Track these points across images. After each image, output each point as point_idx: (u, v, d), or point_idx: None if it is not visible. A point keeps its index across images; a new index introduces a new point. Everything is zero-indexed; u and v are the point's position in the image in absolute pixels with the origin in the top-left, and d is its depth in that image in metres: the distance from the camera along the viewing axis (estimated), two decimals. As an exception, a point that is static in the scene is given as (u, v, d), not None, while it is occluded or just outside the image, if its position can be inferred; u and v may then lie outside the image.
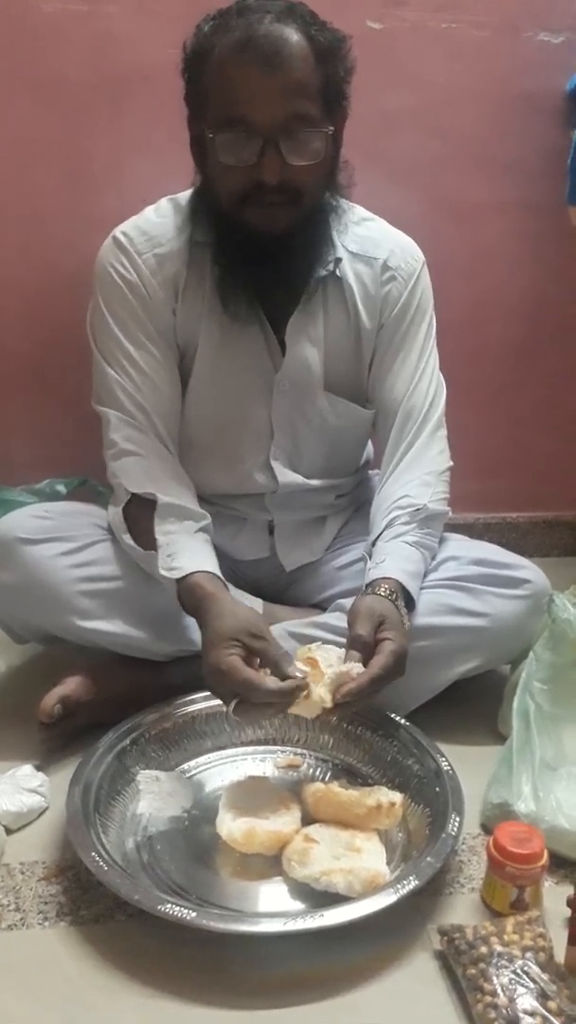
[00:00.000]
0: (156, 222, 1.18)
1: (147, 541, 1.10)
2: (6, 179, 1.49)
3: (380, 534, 1.15)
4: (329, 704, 0.95)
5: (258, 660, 0.97)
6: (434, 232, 1.30)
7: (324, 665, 0.97)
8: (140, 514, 1.11)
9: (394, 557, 1.11)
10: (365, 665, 0.98)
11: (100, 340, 1.18)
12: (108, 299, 1.17)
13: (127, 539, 1.12)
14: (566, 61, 1.57)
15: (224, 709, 0.98)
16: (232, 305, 1.15)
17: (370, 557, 1.14)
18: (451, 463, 1.23)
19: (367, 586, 1.09)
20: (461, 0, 1.52)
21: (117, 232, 1.18)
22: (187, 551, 1.07)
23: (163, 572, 1.06)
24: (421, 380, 1.23)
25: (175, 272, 1.16)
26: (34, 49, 1.43)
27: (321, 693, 0.95)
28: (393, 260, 1.22)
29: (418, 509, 1.15)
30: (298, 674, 0.95)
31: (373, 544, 1.15)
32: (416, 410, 1.22)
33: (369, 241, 1.22)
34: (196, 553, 1.08)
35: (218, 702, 1.13)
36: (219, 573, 1.07)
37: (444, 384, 1.26)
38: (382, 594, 1.06)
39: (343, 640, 1.16)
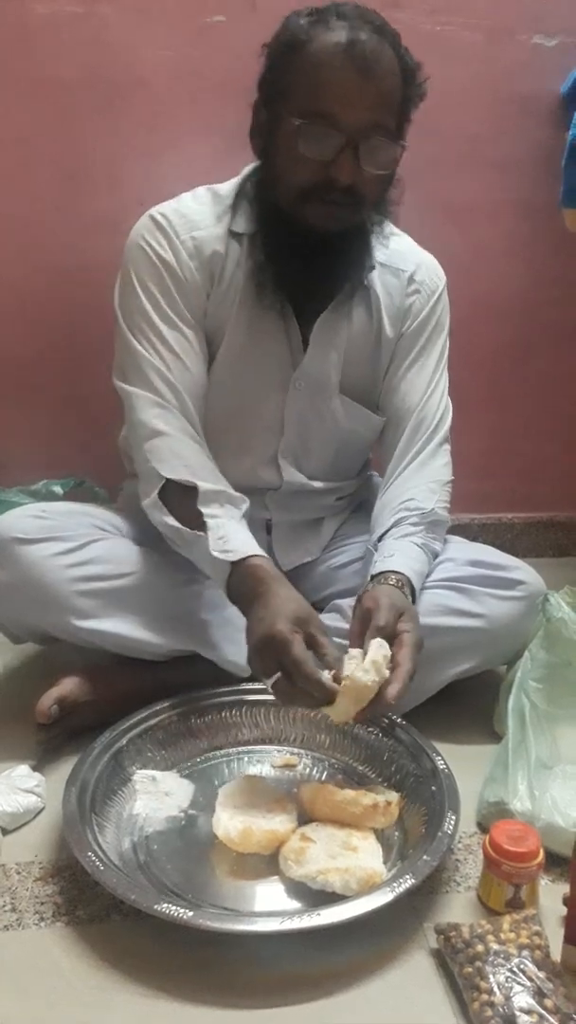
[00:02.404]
0: (195, 207, 1.18)
1: (189, 524, 1.08)
2: (2, 181, 1.49)
3: (387, 531, 1.15)
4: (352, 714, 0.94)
5: (314, 649, 0.95)
6: (428, 233, 1.31)
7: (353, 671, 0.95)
8: (176, 499, 1.10)
9: (403, 554, 1.11)
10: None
11: (129, 317, 1.16)
12: (141, 276, 1.15)
13: (170, 520, 1.10)
14: (560, 64, 1.58)
15: (264, 683, 0.97)
16: (267, 295, 1.15)
17: (374, 551, 1.14)
18: (453, 477, 1.25)
19: (374, 577, 1.09)
20: (455, 3, 1.53)
21: (154, 212, 1.17)
22: (238, 534, 1.06)
23: (216, 554, 1.03)
24: (434, 393, 1.25)
25: (212, 258, 1.16)
26: (29, 51, 1.44)
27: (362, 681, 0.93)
28: (419, 275, 1.25)
29: (425, 513, 1.17)
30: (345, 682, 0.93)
31: (380, 539, 1.15)
32: (427, 420, 1.24)
33: (397, 254, 1.24)
34: (248, 537, 1.07)
35: (215, 700, 1.15)
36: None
37: (451, 407, 1.28)
38: (394, 584, 1.06)
39: (337, 641, 1.17)
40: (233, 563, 1.03)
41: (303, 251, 1.11)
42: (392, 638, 0.98)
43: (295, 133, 1.03)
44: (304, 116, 1.03)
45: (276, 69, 1.07)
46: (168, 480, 1.10)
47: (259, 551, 1.05)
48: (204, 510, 1.07)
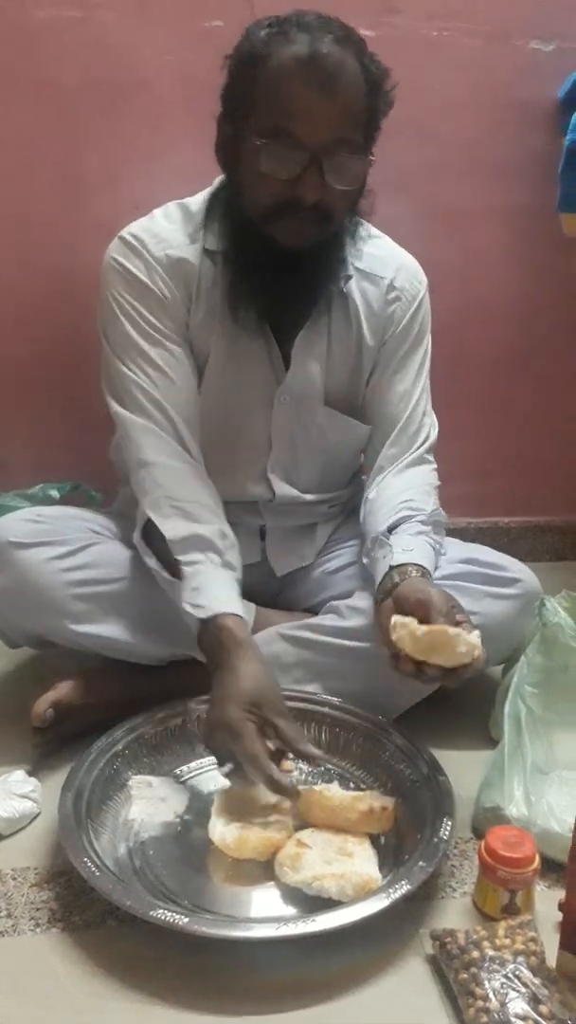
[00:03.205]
0: (166, 226, 1.16)
1: (170, 566, 1.08)
2: (2, 182, 1.49)
3: (395, 526, 1.14)
4: (479, 650, 0.95)
5: (272, 731, 0.95)
6: (425, 237, 1.31)
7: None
8: (158, 537, 1.09)
9: (420, 551, 1.11)
10: None
11: (112, 338, 1.16)
12: (118, 299, 1.14)
13: (150, 562, 1.10)
14: (557, 68, 1.59)
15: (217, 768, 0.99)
16: (242, 313, 1.14)
17: (387, 541, 1.13)
18: (439, 483, 1.25)
19: (395, 567, 1.08)
20: (453, 8, 1.54)
21: (124, 233, 1.16)
22: (213, 587, 1.05)
23: (187, 607, 1.03)
24: (420, 401, 1.25)
25: (187, 275, 1.15)
26: (28, 54, 1.44)
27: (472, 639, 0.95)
28: (399, 281, 1.24)
29: (429, 514, 1.16)
30: (298, 770, 0.97)
31: (390, 531, 1.14)
32: (413, 425, 1.24)
33: (376, 260, 1.23)
34: (223, 591, 1.05)
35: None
36: (246, 616, 1.06)
37: (436, 421, 1.28)
38: (423, 577, 1.06)
39: (335, 641, 1.17)
40: (203, 619, 1.02)
41: (274, 267, 1.09)
42: (454, 624, 0.98)
43: (257, 152, 1.02)
44: (266, 135, 1.00)
45: (237, 83, 1.05)
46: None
47: (231, 608, 1.03)
48: (180, 558, 1.06)
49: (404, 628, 0.97)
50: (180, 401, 1.14)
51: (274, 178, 1.02)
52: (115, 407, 1.15)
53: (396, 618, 0.98)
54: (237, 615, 1.03)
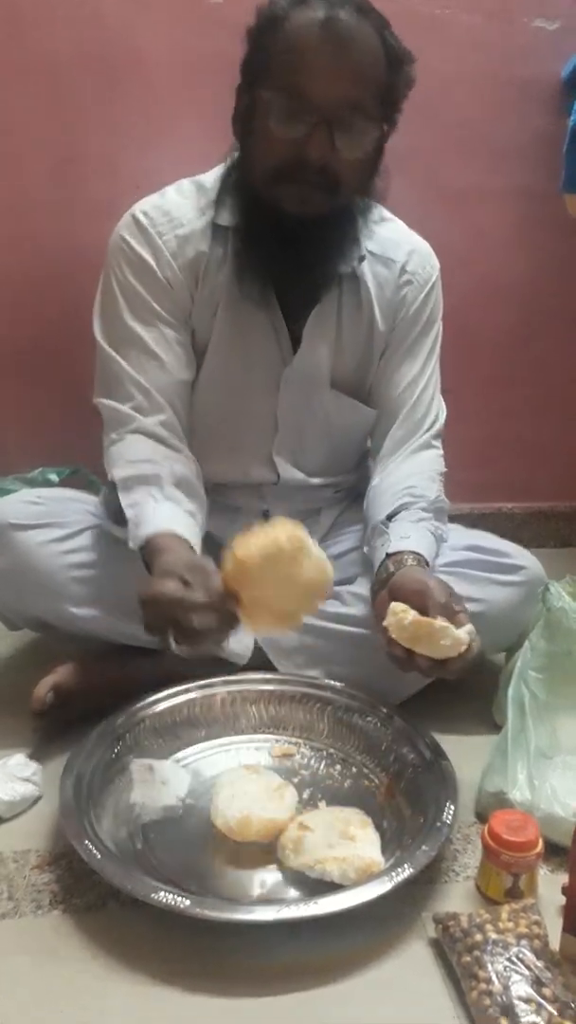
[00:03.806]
0: (178, 202, 1.15)
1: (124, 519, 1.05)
2: (-3, 164, 1.48)
3: (395, 513, 1.14)
4: (466, 644, 0.94)
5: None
6: (428, 218, 1.29)
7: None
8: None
9: (419, 538, 1.10)
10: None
11: (105, 324, 1.15)
12: (119, 276, 1.13)
13: (105, 524, 1.10)
14: (561, 47, 1.57)
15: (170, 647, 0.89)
16: (247, 287, 1.13)
17: (385, 529, 1.12)
18: (445, 469, 1.24)
19: (391, 555, 1.07)
20: (456, -15, 1.52)
21: (136, 210, 1.15)
22: (151, 517, 1.02)
23: (131, 545, 1.01)
24: (428, 384, 1.24)
25: (196, 255, 1.13)
26: (21, 30, 1.41)
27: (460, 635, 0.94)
28: (411, 264, 1.23)
29: (431, 501, 1.16)
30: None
31: (389, 519, 1.13)
32: (420, 411, 1.23)
33: (389, 243, 1.22)
34: (162, 517, 1.02)
35: (213, 689, 1.14)
36: (189, 536, 1.00)
37: (445, 406, 1.26)
38: (420, 566, 1.05)
39: (336, 627, 1.17)
40: (141, 549, 0.99)
41: (281, 238, 1.08)
42: (451, 616, 0.97)
43: (267, 109, 1.01)
44: (277, 90, 1.00)
45: (254, 48, 1.05)
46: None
47: (164, 527, 0.99)
48: (124, 501, 1.04)
49: (394, 615, 0.96)
50: (167, 384, 1.13)
51: (282, 138, 1.01)
52: (98, 401, 1.14)
53: (393, 604, 0.98)
54: (173, 534, 0.99)
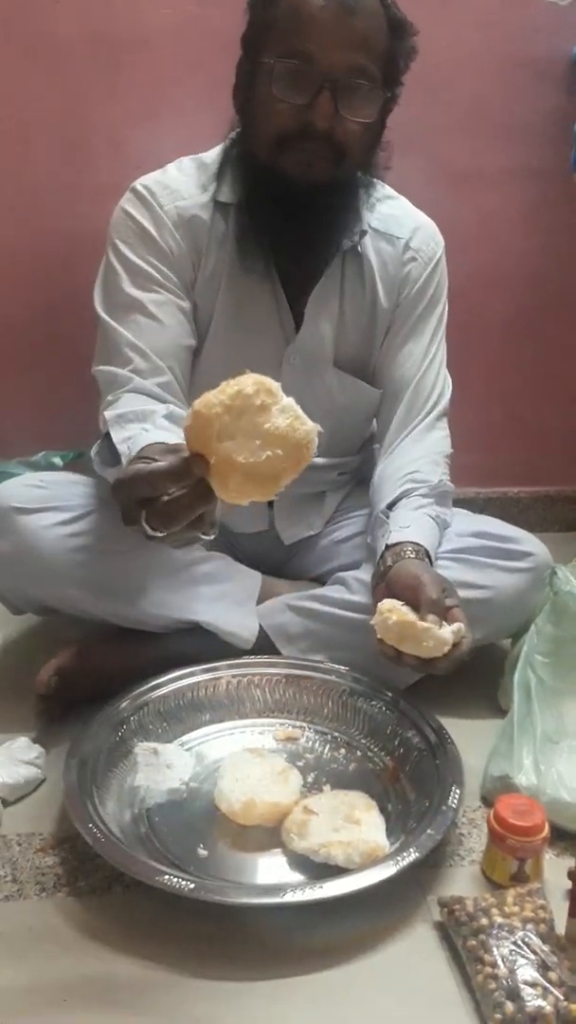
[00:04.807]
0: (179, 178, 1.15)
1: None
2: (-1, 145, 1.46)
3: (396, 501, 1.13)
4: (450, 645, 0.95)
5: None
6: (434, 199, 1.28)
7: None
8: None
9: (418, 526, 1.09)
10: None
11: (105, 296, 1.14)
12: (120, 248, 1.13)
13: (98, 469, 1.07)
14: (572, 25, 1.54)
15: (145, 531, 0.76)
16: (250, 262, 1.12)
17: (386, 519, 1.12)
18: (452, 450, 1.23)
19: (390, 547, 1.06)
20: (466, -38, 1.49)
21: (137, 184, 1.15)
22: (142, 442, 0.91)
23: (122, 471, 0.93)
24: (432, 364, 1.22)
25: (197, 228, 1.13)
26: (24, 8, 1.39)
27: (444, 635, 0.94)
28: (415, 241, 1.21)
29: (433, 486, 1.15)
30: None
31: (390, 508, 1.13)
32: (426, 391, 1.21)
33: (393, 220, 1.20)
34: (151, 435, 0.93)
35: (217, 672, 1.13)
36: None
37: (451, 382, 1.25)
38: (416, 557, 1.04)
39: (341, 613, 1.16)
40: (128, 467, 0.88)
41: (283, 208, 1.06)
42: (443, 612, 0.97)
43: (270, 74, 1.00)
44: (282, 55, 1.00)
45: (256, 18, 1.04)
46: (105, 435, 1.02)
47: (153, 439, 0.90)
48: (117, 437, 0.98)
49: (380, 614, 0.97)
50: (164, 346, 1.11)
51: (286, 103, 1.01)
52: (96, 367, 1.13)
53: (381, 603, 0.98)
54: (157, 441, 0.89)
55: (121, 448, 0.97)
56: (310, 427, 0.76)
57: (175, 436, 0.91)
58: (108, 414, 1.04)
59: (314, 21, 0.98)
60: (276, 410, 0.75)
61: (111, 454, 1.02)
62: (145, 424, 1.00)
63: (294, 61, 0.99)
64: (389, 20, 1.02)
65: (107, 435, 1.03)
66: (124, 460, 0.94)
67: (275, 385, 0.75)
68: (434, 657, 0.95)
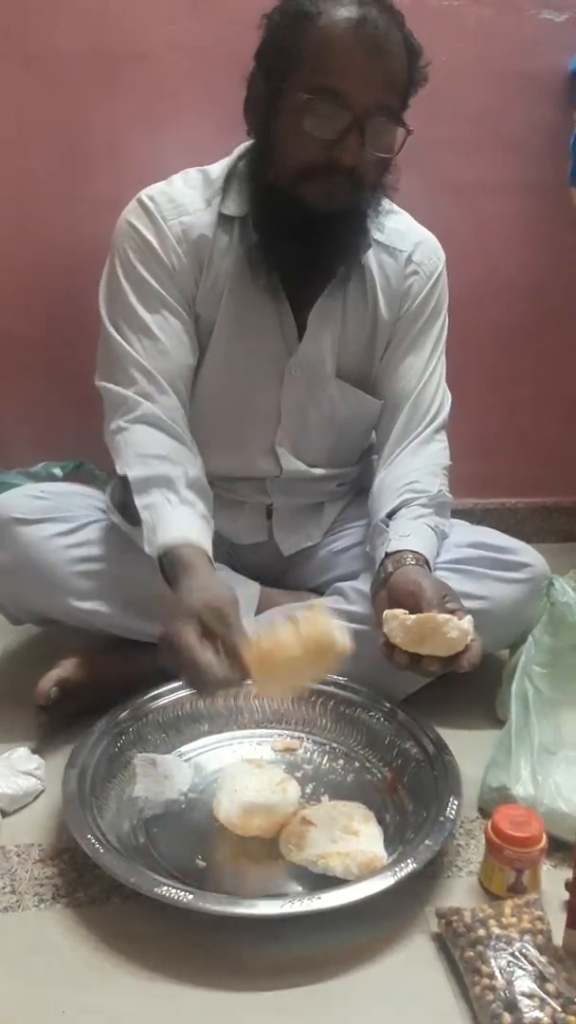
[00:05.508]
0: (184, 191, 1.15)
1: (136, 517, 1.05)
2: None
3: (396, 510, 1.13)
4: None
5: (218, 641, 0.89)
6: (433, 211, 1.29)
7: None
8: (129, 494, 1.07)
9: (418, 535, 1.10)
10: None
11: (110, 306, 1.14)
12: (124, 259, 1.13)
13: (115, 518, 1.10)
14: (569, 40, 1.55)
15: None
16: (260, 279, 1.12)
17: (385, 528, 1.12)
18: (451, 462, 1.23)
19: (390, 554, 1.06)
20: (463, -24, 1.50)
21: (143, 195, 1.15)
22: (171, 522, 1.02)
23: (147, 549, 1.02)
24: (432, 376, 1.23)
25: (200, 242, 1.13)
26: (25, 22, 1.41)
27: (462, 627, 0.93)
28: (417, 255, 1.22)
29: (432, 496, 1.15)
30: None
31: (389, 517, 1.13)
32: (425, 403, 1.22)
33: (396, 233, 1.21)
34: (175, 523, 1.02)
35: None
36: (204, 543, 1.01)
37: (450, 395, 1.26)
38: (417, 565, 1.04)
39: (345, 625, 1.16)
40: (160, 557, 1.00)
41: (298, 232, 1.07)
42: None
43: (302, 109, 1.00)
44: (312, 92, 1.00)
45: (281, 40, 1.03)
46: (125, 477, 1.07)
47: (182, 536, 0.99)
48: (139, 502, 1.04)
49: (394, 620, 0.95)
50: (170, 369, 1.12)
51: (314, 138, 1.01)
52: (100, 384, 1.14)
53: (387, 612, 0.97)
54: (191, 543, 0.99)
55: (144, 515, 1.03)
56: (347, 651, 0.90)
57: (197, 515, 1.04)
58: (130, 473, 1.06)
59: (347, 60, 0.98)
60: (329, 655, 0.89)
61: (127, 504, 1.07)
62: (168, 493, 1.04)
63: (326, 99, 0.99)
64: (408, 50, 1.03)
65: (123, 477, 1.07)
66: (145, 529, 1.02)
67: (336, 635, 0.89)
68: (457, 654, 0.94)
